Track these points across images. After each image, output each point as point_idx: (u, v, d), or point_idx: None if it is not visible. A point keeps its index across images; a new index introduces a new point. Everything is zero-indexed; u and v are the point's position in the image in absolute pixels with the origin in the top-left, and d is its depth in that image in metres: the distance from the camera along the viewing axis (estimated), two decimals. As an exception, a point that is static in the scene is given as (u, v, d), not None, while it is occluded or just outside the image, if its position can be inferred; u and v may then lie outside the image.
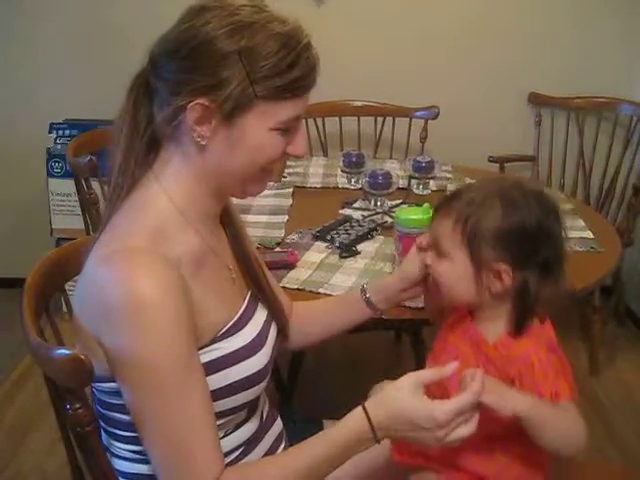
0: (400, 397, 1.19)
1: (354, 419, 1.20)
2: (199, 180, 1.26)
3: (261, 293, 1.44)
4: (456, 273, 1.33)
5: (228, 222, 1.42)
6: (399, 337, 3.24)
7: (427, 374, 1.23)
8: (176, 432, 1.15)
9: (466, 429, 1.17)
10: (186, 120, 1.19)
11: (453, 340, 1.41)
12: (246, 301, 1.38)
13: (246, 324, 1.33)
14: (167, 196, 1.24)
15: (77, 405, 1.17)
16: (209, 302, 1.25)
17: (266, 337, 1.38)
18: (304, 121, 3.22)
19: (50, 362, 1.16)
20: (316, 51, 1.24)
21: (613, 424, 2.84)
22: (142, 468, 1.29)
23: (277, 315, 1.47)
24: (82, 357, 1.08)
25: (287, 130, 1.23)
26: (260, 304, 1.43)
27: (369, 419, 1.18)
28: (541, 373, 1.26)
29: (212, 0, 1.21)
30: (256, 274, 1.45)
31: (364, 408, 1.19)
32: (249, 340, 1.31)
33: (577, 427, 1.30)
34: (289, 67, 1.17)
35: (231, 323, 1.30)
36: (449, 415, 1.15)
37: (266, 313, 1.43)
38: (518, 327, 1.32)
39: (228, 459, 1.32)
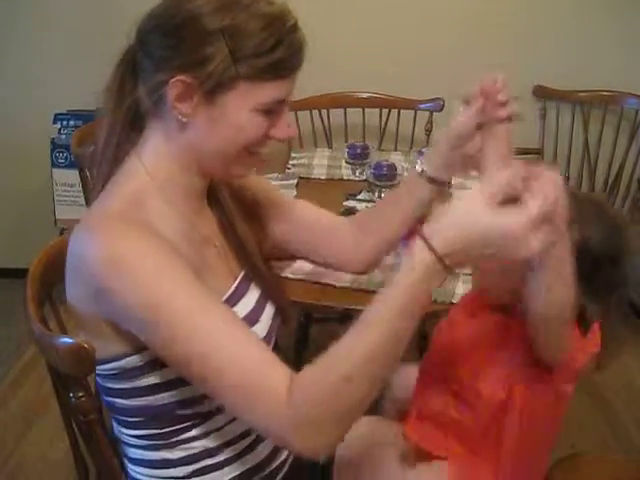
0: (465, 215, 1.03)
1: (415, 255, 1.03)
2: (180, 158, 1.25)
3: (254, 273, 1.42)
4: (514, 272, 1.25)
5: (215, 202, 1.41)
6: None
7: (491, 189, 1.02)
8: (225, 356, 1.08)
9: (546, 238, 1.01)
10: (168, 96, 1.18)
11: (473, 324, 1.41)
12: (237, 280, 1.37)
13: (237, 303, 1.33)
14: (146, 172, 1.24)
15: (80, 394, 1.18)
16: (205, 276, 1.23)
17: (260, 315, 1.37)
18: (309, 112, 3.20)
19: (53, 351, 1.16)
20: (302, 34, 1.22)
21: (615, 416, 2.84)
22: (151, 454, 1.30)
23: (274, 295, 1.44)
24: (85, 345, 1.09)
25: (270, 112, 1.22)
26: (253, 284, 1.41)
27: (431, 248, 1.02)
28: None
29: None
30: (248, 254, 1.42)
31: (422, 237, 1.03)
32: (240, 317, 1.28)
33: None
34: (272, 48, 1.16)
35: (222, 300, 1.28)
36: (529, 225, 0.99)
37: (259, 293, 1.41)
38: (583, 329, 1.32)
39: (237, 448, 1.32)
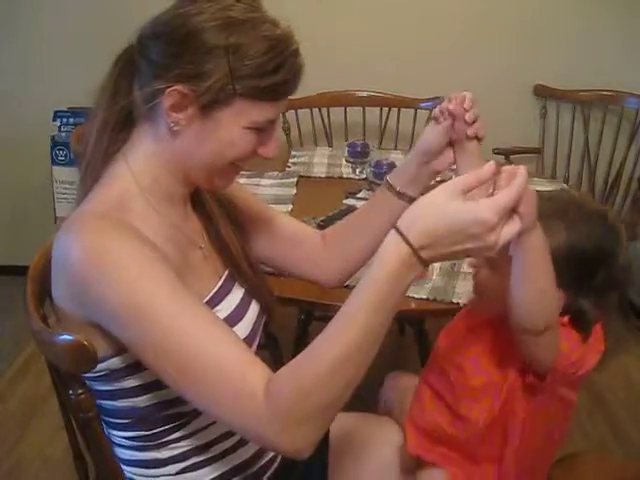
0: (437, 204, 1.03)
1: (389, 248, 1.04)
2: (166, 164, 1.25)
3: (238, 273, 1.42)
4: (500, 287, 1.25)
5: (199, 205, 1.41)
6: (402, 329, 3.24)
7: (464, 179, 1.04)
8: (203, 357, 1.08)
9: (514, 225, 1.03)
10: (162, 104, 1.19)
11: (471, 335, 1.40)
12: (221, 280, 1.38)
13: (220, 302, 1.33)
14: (132, 175, 1.24)
15: (80, 391, 1.18)
16: (181, 277, 1.20)
17: (244, 314, 1.37)
18: (309, 111, 3.20)
19: (53, 348, 1.16)
20: (302, 59, 1.23)
21: (615, 417, 2.84)
22: (141, 455, 1.30)
23: (258, 294, 1.45)
24: (85, 343, 1.09)
25: (261, 130, 1.23)
26: (237, 284, 1.42)
27: (406, 241, 1.01)
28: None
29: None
30: (231, 255, 1.42)
31: (397, 229, 1.03)
32: (223, 317, 1.29)
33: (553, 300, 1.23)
34: (273, 71, 1.18)
35: (206, 300, 1.29)
36: (499, 211, 1.00)
37: (243, 291, 1.41)
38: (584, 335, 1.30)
39: (227, 444, 1.33)
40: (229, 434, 1.34)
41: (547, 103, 3.58)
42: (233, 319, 1.32)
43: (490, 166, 1.04)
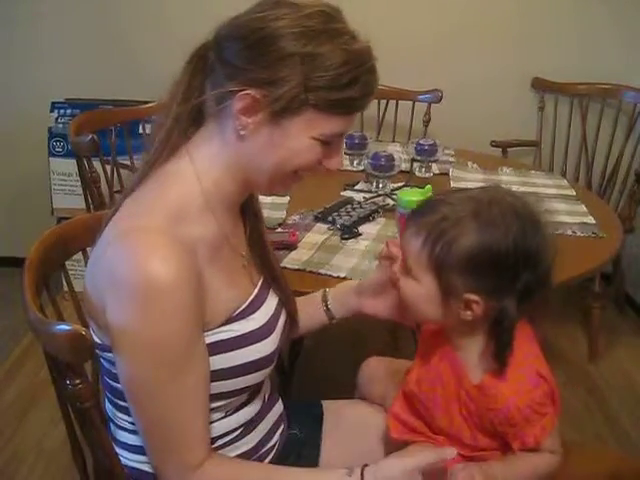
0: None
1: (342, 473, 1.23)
2: (230, 168, 1.25)
3: (274, 280, 1.44)
4: (421, 295, 1.26)
5: (250, 210, 1.42)
6: (398, 320, 3.23)
7: (427, 459, 1.21)
8: (164, 413, 1.17)
9: None
10: (233, 106, 1.18)
11: (435, 363, 1.36)
12: (258, 287, 1.39)
13: (258, 309, 1.34)
14: (196, 175, 1.24)
15: (77, 381, 1.17)
16: (221, 287, 1.25)
17: (276, 323, 1.38)
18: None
19: (50, 338, 1.16)
20: (377, 76, 1.23)
21: (611, 410, 2.85)
22: (140, 440, 1.30)
23: (287, 302, 1.47)
24: (82, 332, 1.09)
25: (328, 143, 1.23)
26: (272, 291, 1.43)
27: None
28: (522, 422, 1.24)
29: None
30: (270, 261, 1.45)
31: (362, 472, 1.21)
32: (260, 325, 1.32)
33: (543, 465, 1.30)
34: (347, 85, 1.17)
35: (243, 307, 1.30)
36: None
37: (277, 300, 1.43)
38: (500, 360, 1.24)
39: (227, 439, 1.34)
40: (236, 429, 1.36)
41: (545, 96, 3.58)
42: (268, 329, 1.34)
43: (451, 454, 1.20)
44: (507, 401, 1.23)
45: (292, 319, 1.49)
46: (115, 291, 1.14)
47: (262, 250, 1.44)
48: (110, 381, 1.28)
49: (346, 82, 1.16)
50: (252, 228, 1.43)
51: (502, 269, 1.18)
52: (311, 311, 1.58)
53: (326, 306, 1.57)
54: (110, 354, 1.21)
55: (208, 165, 1.25)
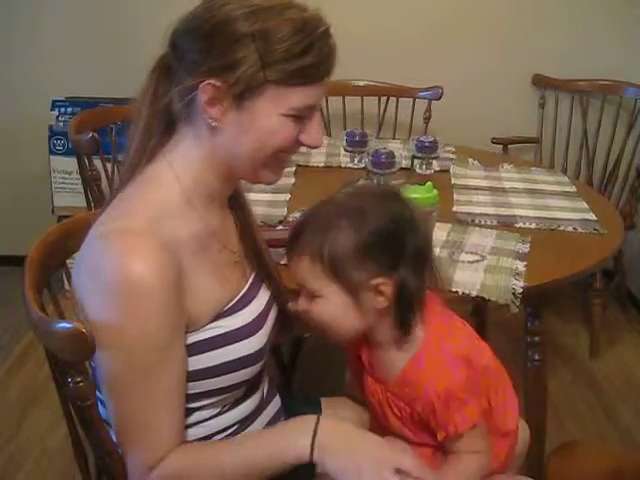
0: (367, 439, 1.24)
1: (302, 419, 1.25)
2: (209, 162, 1.26)
3: (266, 275, 1.45)
4: (334, 309, 1.27)
5: (237, 205, 1.42)
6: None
7: (408, 465, 1.19)
8: (132, 410, 1.18)
9: None
10: (198, 100, 1.19)
11: (370, 380, 1.40)
12: (249, 282, 1.39)
13: (247, 305, 1.34)
14: (174, 175, 1.25)
15: (78, 379, 1.18)
16: (209, 284, 1.26)
17: (266, 319, 1.38)
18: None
19: (51, 336, 1.16)
20: (334, 40, 1.23)
21: (613, 407, 2.84)
22: None
23: (279, 297, 1.47)
24: (83, 330, 1.08)
25: (300, 118, 1.23)
26: (264, 286, 1.43)
27: (315, 431, 1.20)
28: (442, 408, 1.25)
29: None
30: (262, 257, 1.45)
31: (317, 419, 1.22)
32: (249, 320, 1.32)
33: (470, 469, 1.31)
34: (302, 53, 1.17)
35: (232, 303, 1.30)
36: None
37: (269, 295, 1.43)
38: (404, 327, 1.28)
39: (223, 434, 1.34)
40: (232, 425, 1.36)
41: (545, 93, 3.58)
42: (257, 325, 1.34)
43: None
44: (425, 387, 1.26)
45: (284, 315, 1.48)
46: (94, 289, 1.15)
47: (254, 245, 1.44)
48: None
49: (300, 51, 1.16)
50: (242, 224, 1.43)
51: (389, 244, 1.24)
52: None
53: None
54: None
55: (185, 164, 1.25)
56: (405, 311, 1.27)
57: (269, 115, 1.20)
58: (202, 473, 1.22)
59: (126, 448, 1.21)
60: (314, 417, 1.23)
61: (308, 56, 1.17)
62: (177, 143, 1.27)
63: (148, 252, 1.13)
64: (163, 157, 1.26)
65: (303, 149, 1.31)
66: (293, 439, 1.22)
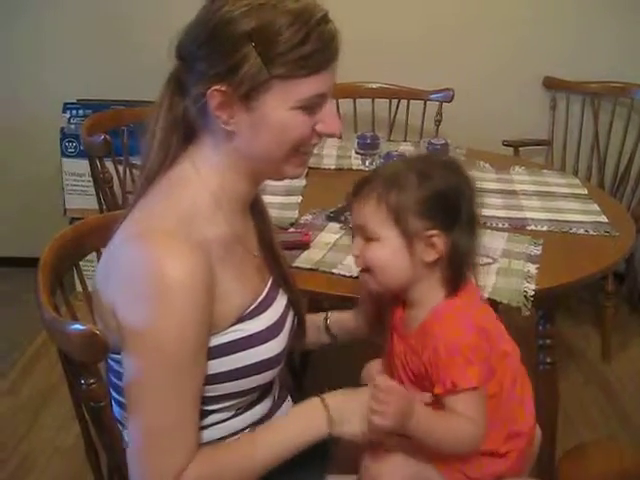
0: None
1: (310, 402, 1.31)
2: (232, 166, 1.26)
3: (283, 279, 1.45)
4: (389, 252, 1.33)
5: (256, 209, 1.43)
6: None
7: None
8: (160, 415, 1.17)
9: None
10: (209, 107, 1.19)
11: (396, 339, 1.43)
12: (268, 286, 1.39)
13: (267, 308, 1.34)
14: (201, 180, 1.25)
15: (91, 380, 1.18)
16: (233, 287, 1.26)
17: (284, 323, 1.39)
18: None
19: (65, 337, 1.16)
20: (333, 25, 1.22)
21: (625, 410, 2.83)
22: None
23: (296, 302, 1.47)
24: (97, 332, 1.09)
25: (311, 108, 1.22)
26: (281, 290, 1.43)
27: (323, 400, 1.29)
28: (446, 360, 1.27)
29: None
30: (279, 260, 1.45)
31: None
32: (268, 325, 1.32)
33: (459, 431, 1.30)
34: (300, 42, 1.16)
35: (253, 306, 1.31)
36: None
37: (286, 299, 1.44)
38: (454, 287, 1.34)
39: (237, 436, 1.34)
40: (245, 429, 1.36)
41: (556, 95, 3.57)
42: (277, 328, 1.34)
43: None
44: (437, 335, 1.30)
45: (300, 320, 1.49)
46: (128, 290, 1.15)
47: (271, 249, 1.44)
48: (118, 381, 1.28)
49: (299, 41, 1.16)
50: (260, 228, 1.43)
51: (447, 204, 1.32)
52: (311, 329, 1.59)
53: (326, 327, 1.61)
54: (119, 356, 1.22)
55: (210, 170, 1.26)
56: (454, 269, 1.33)
57: (278, 111, 1.20)
58: (233, 472, 1.25)
59: (147, 454, 1.18)
60: (317, 398, 1.30)
61: (307, 45, 1.16)
62: (199, 150, 1.27)
63: (182, 252, 1.14)
64: (187, 161, 1.27)
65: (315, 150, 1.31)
66: (309, 421, 1.29)
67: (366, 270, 1.37)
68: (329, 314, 1.61)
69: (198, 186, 1.25)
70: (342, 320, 1.61)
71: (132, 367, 1.17)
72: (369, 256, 1.35)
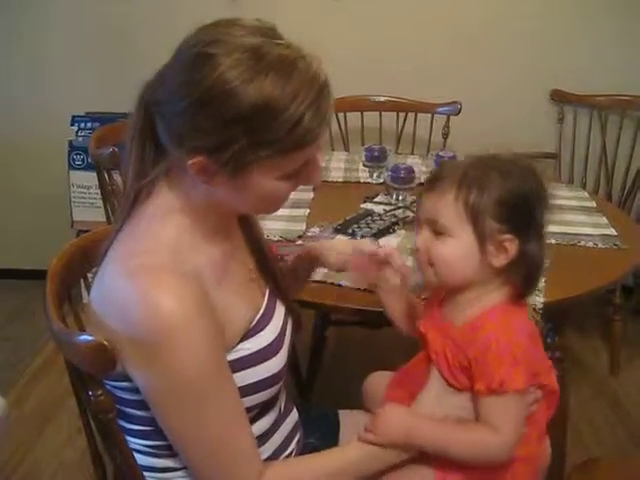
0: None
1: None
2: (209, 203, 1.23)
3: (278, 289, 1.44)
4: (459, 250, 1.29)
5: (244, 220, 1.41)
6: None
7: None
8: (213, 441, 1.18)
9: None
10: (188, 169, 1.15)
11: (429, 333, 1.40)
12: (266, 298, 1.39)
13: (268, 323, 1.33)
14: (181, 211, 1.23)
15: (99, 392, 1.18)
16: (234, 307, 1.26)
17: (284, 337, 1.38)
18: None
19: (74, 348, 1.16)
20: (330, 92, 1.16)
21: (633, 424, 2.82)
22: (155, 462, 1.30)
23: (292, 307, 1.47)
24: (105, 344, 1.08)
25: (297, 173, 1.19)
26: (278, 300, 1.43)
27: None
28: (496, 357, 1.24)
29: (213, 49, 1.11)
30: (273, 270, 1.45)
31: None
32: (270, 341, 1.31)
33: (481, 444, 1.28)
34: (296, 124, 1.10)
35: (255, 321, 1.30)
36: None
37: (284, 309, 1.43)
38: (522, 294, 1.33)
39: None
40: None
41: (564, 108, 3.57)
42: (278, 344, 1.34)
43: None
44: (491, 331, 1.27)
45: (297, 323, 1.48)
46: (132, 342, 1.13)
47: (263, 257, 1.44)
48: (119, 406, 1.26)
49: (294, 123, 1.10)
50: (249, 237, 1.43)
51: (525, 208, 1.29)
52: (306, 266, 1.65)
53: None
54: (115, 382, 1.22)
55: (188, 202, 1.23)
56: (527, 276, 1.31)
57: (263, 181, 1.16)
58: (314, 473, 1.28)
59: (215, 476, 1.21)
60: None
61: (301, 125, 1.11)
62: (178, 181, 1.22)
63: (175, 286, 1.12)
64: (165, 191, 1.23)
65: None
66: None
67: (429, 263, 1.33)
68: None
69: (180, 217, 1.22)
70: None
71: (165, 416, 1.18)
72: (438, 251, 1.31)
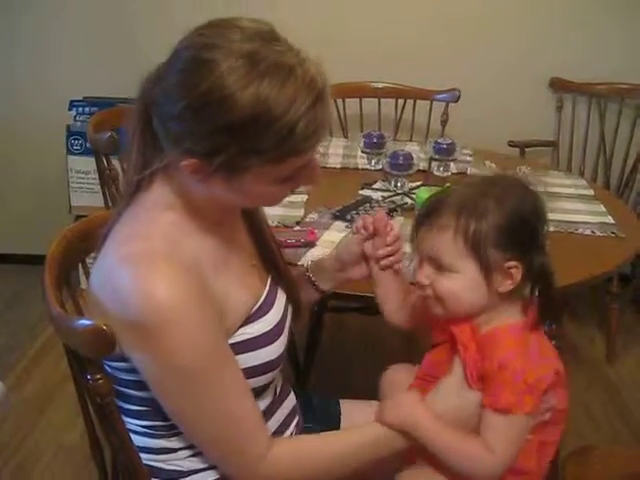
0: None
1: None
2: (207, 198, 1.22)
3: (280, 276, 1.45)
4: (465, 285, 1.28)
5: (246, 213, 1.42)
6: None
7: None
8: (219, 421, 1.19)
9: None
10: (183, 168, 1.15)
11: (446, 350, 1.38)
12: (267, 286, 1.39)
13: (269, 310, 1.34)
14: (180, 202, 1.23)
15: (98, 376, 1.18)
16: (235, 293, 1.26)
17: (285, 324, 1.39)
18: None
19: (72, 333, 1.16)
20: (327, 99, 1.14)
21: (629, 411, 2.83)
22: (152, 442, 1.31)
23: (294, 296, 1.48)
24: (104, 327, 1.09)
25: (292, 176, 1.18)
26: (279, 288, 1.43)
27: None
28: (510, 380, 1.23)
29: (209, 54, 1.09)
30: (275, 258, 1.45)
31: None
32: (271, 327, 1.32)
33: (472, 457, 1.27)
34: (290, 132, 1.09)
35: (255, 308, 1.31)
36: None
37: (285, 297, 1.44)
38: (554, 316, 1.34)
39: None
40: None
41: (563, 96, 3.56)
42: (278, 330, 1.34)
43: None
44: (509, 350, 1.25)
45: (298, 312, 1.49)
46: (130, 328, 1.13)
47: (264, 244, 1.44)
48: (117, 387, 1.27)
49: (288, 131, 1.09)
50: (251, 225, 1.43)
51: (526, 230, 1.28)
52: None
53: (313, 284, 1.58)
54: (114, 362, 1.23)
55: (187, 195, 1.23)
56: (550, 295, 1.31)
57: (257, 185, 1.16)
58: (314, 461, 1.28)
59: (225, 452, 1.22)
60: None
61: (295, 134, 1.09)
62: (175, 176, 1.22)
63: (170, 272, 1.13)
64: (165, 183, 1.23)
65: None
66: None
67: (435, 297, 1.31)
68: (309, 265, 1.61)
69: (178, 207, 1.23)
70: (321, 264, 1.59)
71: (167, 400, 1.20)
72: (444, 288, 1.29)
